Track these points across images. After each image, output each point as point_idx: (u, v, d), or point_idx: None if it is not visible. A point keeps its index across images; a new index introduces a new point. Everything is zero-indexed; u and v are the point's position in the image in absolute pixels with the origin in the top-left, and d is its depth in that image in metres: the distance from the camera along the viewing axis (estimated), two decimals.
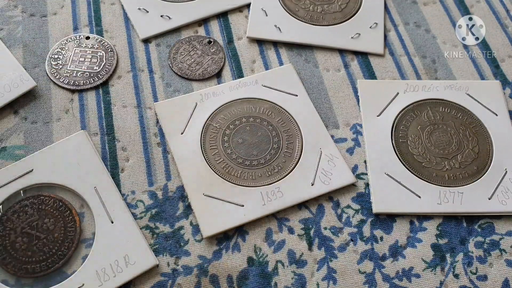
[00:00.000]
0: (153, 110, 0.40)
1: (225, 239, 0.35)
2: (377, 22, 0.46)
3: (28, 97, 0.40)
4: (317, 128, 0.40)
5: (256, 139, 0.39)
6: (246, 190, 0.37)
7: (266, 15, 0.45)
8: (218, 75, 0.43)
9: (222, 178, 0.37)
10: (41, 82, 0.41)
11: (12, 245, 0.34)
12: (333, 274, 0.35)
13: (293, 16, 0.45)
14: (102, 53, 0.43)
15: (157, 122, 0.40)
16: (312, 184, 0.37)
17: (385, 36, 0.45)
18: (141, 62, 0.43)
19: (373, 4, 0.47)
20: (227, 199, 0.36)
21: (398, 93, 0.42)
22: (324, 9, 0.46)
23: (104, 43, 0.43)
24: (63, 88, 0.41)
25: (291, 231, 0.36)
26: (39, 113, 0.40)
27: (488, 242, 0.36)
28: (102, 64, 0.42)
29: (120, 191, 0.37)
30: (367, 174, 0.38)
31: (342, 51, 0.44)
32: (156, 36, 0.44)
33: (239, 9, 0.46)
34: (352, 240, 0.36)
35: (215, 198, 0.36)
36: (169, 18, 0.45)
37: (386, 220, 0.37)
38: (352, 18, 0.46)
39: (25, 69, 0.41)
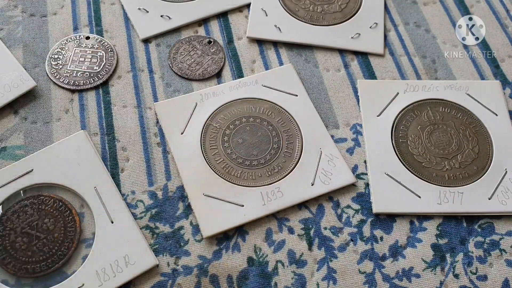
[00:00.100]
0: (153, 110, 0.40)
1: (225, 239, 0.35)
2: (377, 22, 0.46)
3: (28, 97, 0.40)
4: (317, 128, 0.40)
5: (256, 139, 0.39)
6: (246, 190, 0.37)
7: (266, 15, 0.45)
8: (218, 75, 0.43)
9: (222, 178, 0.37)
10: (41, 82, 0.41)
11: (12, 245, 0.34)
12: (333, 274, 0.35)
13: (293, 16, 0.45)
14: (102, 53, 0.43)
15: (157, 122, 0.40)
16: (312, 184, 0.37)
17: (385, 36, 0.45)
18: (141, 62, 0.43)
19: (373, 4, 0.47)
20: (227, 199, 0.36)
21: (398, 93, 0.42)
22: (324, 9, 0.46)
23: (104, 43, 0.43)
24: (63, 88, 0.41)
25: (291, 231, 0.36)
26: (39, 113, 0.40)
27: (488, 242, 0.36)
28: (102, 64, 0.42)
29: (120, 191, 0.37)
30: (367, 174, 0.38)
31: (342, 51, 0.44)
32: (156, 36, 0.44)
33: (239, 9, 0.46)
34: (352, 240, 0.36)
35: (215, 198, 0.36)
36: (169, 18, 0.45)
37: (386, 220, 0.37)
38: (352, 18, 0.46)
39: (25, 69, 0.41)
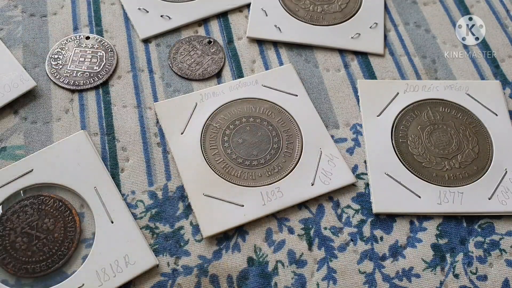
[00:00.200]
0: (153, 110, 0.40)
1: (225, 239, 0.35)
2: (377, 22, 0.46)
3: (28, 97, 0.40)
4: (317, 128, 0.40)
5: (256, 139, 0.39)
6: (246, 190, 0.37)
7: (266, 15, 0.45)
8: (218, 75, 0.43)
9: (222, 178, 0.37)
10: (41, 82, 0.41)
11: (12, 245, 0.34)
12: (333, 274, 0.35)
13: (293, 16, 0.45)
14: (102, 53, 0.43)
15: (157, 122, 0.40)
16: (312, 184, 0.37)
17: (385, 36, 0.45)
18: (141, 62, 0.43)
19: (373, 4, 0.47)
20: (227, 199, 0.36)
21: (398, 93, 0.42)
22: (324, 9, 0.46)
23: (104, 43, 0.43)
24: (63, 88, 0.41)
25: (291, 231, 0.36)
26: (39, 113, 0.40)
27: (488, 242, 0.36)
28: (102, 64, 0.42)
29: (120, 191, 0.37)
30: (367, 174, 0.38)
31: (342, 51, 0.44)
32: (156, 36, 0.44)
33: (239, 9, 0.46)
34: (352, 240, 0.36)
35: (215, 198, 0.36)
36: (169, 18, 0.45)
37: (386, 220, 0.37)
38: (352, 18, 0.46)
39: (25, 69, 0.41)
